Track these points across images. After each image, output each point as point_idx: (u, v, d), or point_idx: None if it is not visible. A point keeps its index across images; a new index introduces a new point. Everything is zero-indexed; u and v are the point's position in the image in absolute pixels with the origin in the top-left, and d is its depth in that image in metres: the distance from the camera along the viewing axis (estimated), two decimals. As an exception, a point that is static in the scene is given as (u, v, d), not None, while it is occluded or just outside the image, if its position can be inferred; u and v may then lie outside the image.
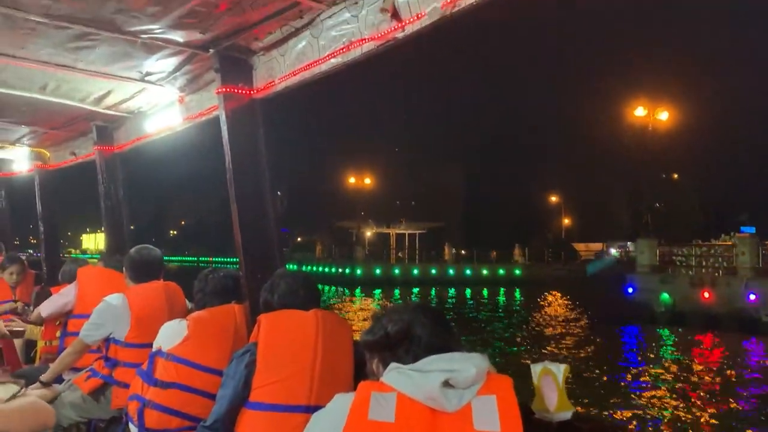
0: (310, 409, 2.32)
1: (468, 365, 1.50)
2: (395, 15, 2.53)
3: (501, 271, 44.96)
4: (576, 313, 26.56)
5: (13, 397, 1.53)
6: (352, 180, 57.87)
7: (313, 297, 2.65)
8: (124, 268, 3.71)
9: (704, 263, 23.73)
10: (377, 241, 52.67)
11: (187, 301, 3.70)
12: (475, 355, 1.55)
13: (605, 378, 13.89)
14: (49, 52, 3.64)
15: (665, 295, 22.82)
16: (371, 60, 2.84)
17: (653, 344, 19.35)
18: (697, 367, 15.47)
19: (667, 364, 15.83)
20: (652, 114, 30.46)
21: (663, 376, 14.25)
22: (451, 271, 44.47)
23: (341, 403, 1.57)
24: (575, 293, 31.70)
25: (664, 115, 30.86)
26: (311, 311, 2.53)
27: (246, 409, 2.35)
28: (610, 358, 16.43)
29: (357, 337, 2.46)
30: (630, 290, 24.53)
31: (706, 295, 21.64)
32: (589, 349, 17.67)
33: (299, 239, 65.97)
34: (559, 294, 35.17)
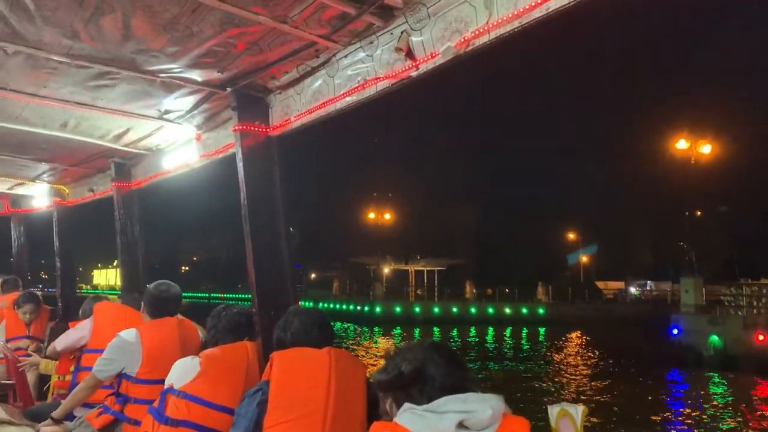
0: (323, 450, 2.28)
1: (484, 406, 1.47)
2: (409, 54, 2.56)
3: (524, 310, 43.19)
4: (607, 354, 24.53)
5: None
6: (370, 215, 56.52)
7: (327, 335, 2.63)
8: (142, 304, 3.71)
9: (755, 303, 22.45)
10: (395, 278, 51.08)
11: (200, 336, 3.68)
12: (490, 396, 1.51)
13: (653, 424, 13.03)
14: (70, 90, 3.71)
15: (714, 338, 21.43)
16: (386, 98, 2.87)
17: (701, 390, 17.83)
18: (753, 415, 14.39)
19: (718, 412, 14.59)
20: (693, 146, 29.03)
21: (714, 423, 13.37)
22: (473, 310, 42.78)
23: None
24: (602, 334, 30.37)
25: (706, 148, 29.23)
26: (324, 349, 2.51)
27: (257, 449, 2.31)
28: (653, 402, 15.49)
29: (370, 376, 2.43)
30: (675, 332, 23.22)
31: (761, 337, 20.41)
32: (630, 393, 16.36)
33: (313, 275, 64.92)
34: (582, 334, 33.81)
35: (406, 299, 45.33)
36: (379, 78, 2.74)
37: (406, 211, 60.15)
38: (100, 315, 4.19)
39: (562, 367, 22.13)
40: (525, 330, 36.96)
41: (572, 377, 19.58)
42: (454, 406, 1.48)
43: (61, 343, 4.26)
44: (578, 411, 1.90)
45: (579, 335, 33.83)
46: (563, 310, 42.65)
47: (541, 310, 43.46)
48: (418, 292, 47.48)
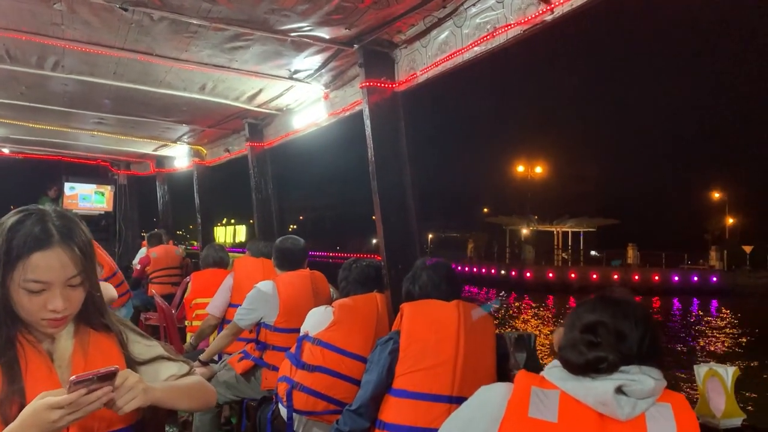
0: (453, 400, 2.31)
1: (645, 377, 1.38)
2: (544, -3, 2.44)
3: (694, 278, 36.33)
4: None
5: (185, 375, 1.63)
6: (515, 170, 50.05)
7: (455, 289, 2.63)
8: (272, 257, 3.90)
9: None
10: (536, 240, 44.43)
11: (330, 288, 3.82)
12: (653, 369, 1.42)
13: None
14: (208, 53, 3.89)
15: None
16: (515, 47, 2.77)
17: None
18: None
19: None
20: None
21: None
22: (636, 277, 35.91)
23: (495, 395, 1.48)
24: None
25: None
26: (453, 302, 2.52)
27: (389, 396, 2.38)
28: None
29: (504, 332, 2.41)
30: None
31: None
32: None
33: (443, 235, 59.73)
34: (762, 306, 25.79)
35: (552, 264, 39.81)
36: (510, 25, 2.64)
37: (552, 168, 53.68)
38: (241, 269, 4.42)
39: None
40: (696, 301, 31.47)
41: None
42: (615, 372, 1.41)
43: (217, 309, 4.27)
44: (728, 372, 1.77)
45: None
46: (740, 279, 36.45)
47: (714, 279, 36.83)
48: (564, 256, 42.15)
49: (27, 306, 1.38)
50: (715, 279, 36.75)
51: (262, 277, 3.93)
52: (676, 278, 36.51)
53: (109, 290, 3.07)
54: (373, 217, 3.59)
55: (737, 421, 1.77)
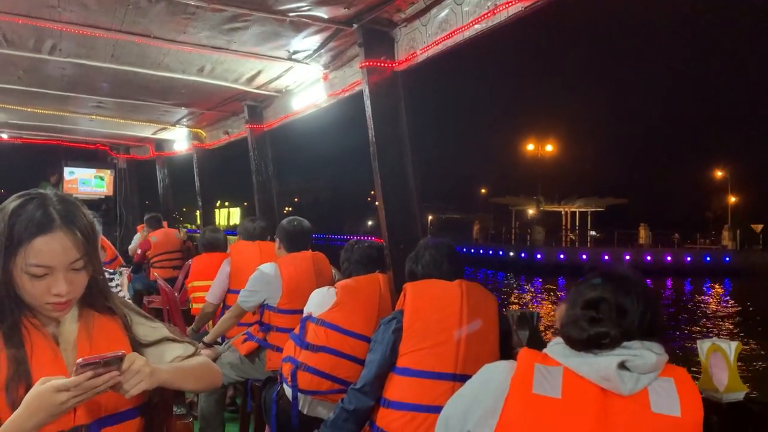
0: (457, 378, 2.33)
1: (647, 353, 1.39)
2: (545, -27, 2.41)
3: (707, 258, 35.63)
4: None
5: (191, 356, 1.64)
6: (518, 150, 48.25)
7: (457, 268, 2.64)
8: (277, 239, 3.90)
9: None
10: (543, 221, 42.89)
11: (333, 270, 3.83)
12: (654, 343, 1.42)
13: None
14: (206, 35, 3.86)
15: None
16: (517, 24, 2.74)
17: None
18: None
19: None
20: None
21: None
22: (648, 257, 35.12)
23: (499, 373, 1.49)
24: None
25: None
26: (456, 281, 2.53)
27: (394, 374, 2.40)
28: None
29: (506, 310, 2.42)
30: None
31: None
32: None
33: (443, 217, 58.84)
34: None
35: (560, 244, 39.04)
36: (511, 2, 2.61)
37: (560, 146, 51.19)
38: (237, 254, 4.42)
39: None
40: (709, 282, 30.53)
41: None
42: (616, 348, 1.41)
43: (216, 296, 4.31)
44: (731, 346, 1.78)
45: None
46: (753, 259, 35.60)
47: (727, 259, 36.10)
48: (572, 236, 41.45)
49: (31, 290, 1.38)
50: (728, 259, 36.17)
51: (259, 261, 3.94)
52: (689, 258, 35.91)
53: None
54: (369, 199, 3.59)
55: (740, 395, 1.79)
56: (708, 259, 36.11)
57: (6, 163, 11.78)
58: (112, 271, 6.13)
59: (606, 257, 34.60)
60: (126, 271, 6.84)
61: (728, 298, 25.61)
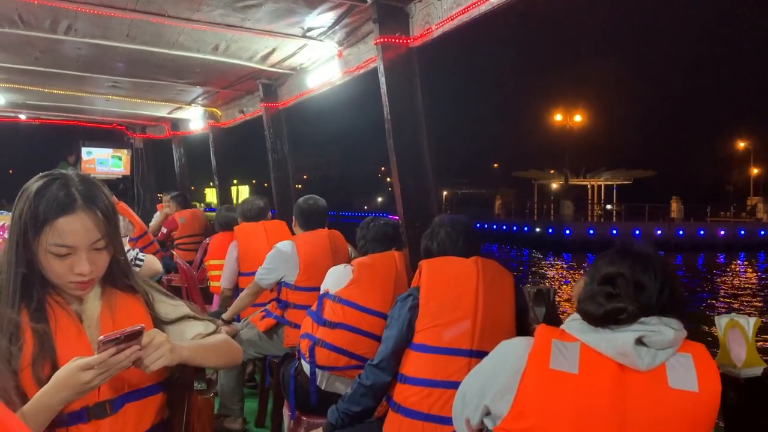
0: (473, 354, 2.34)
1: (665, 328, 1.39)
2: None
3: (741, 232, 34.46)
4: None
5: (212, 333, 1.67)
6: (540, 123, 47.65)
7: (473, 245, 2.64)
8: (294, 218, 3.92)
9: None
10: (567, 195, 40.81)
11: (349, 247, 3.85)
12: (672, 319, 1.42)
13: None
14: (220, 13, 3.86)
15: None
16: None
17: None
18: None
19: None
20: None
21: None
22: (680, 232, 33.80)
23: (516, 348, 1.49)
24: None
25: None
26: (471, 258, 2.53)
27: (410, 350, 2.41)
28: None
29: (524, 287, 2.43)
30: None
31: None
32: None
33: (459, 192, 57.29)
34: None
35: (587, 219, 37.43)
36: (527, -24, 2.58)
37: (586, 117, 48.86)
38: (243, 237, 4.43)
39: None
40: (743, 256, 29.82)
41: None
42: (634, 324, 1.41)
43: (228, 281, 4.41)
44: (750, 322, 1.78)
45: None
46: None
47: (763, 232, 35.03)
48: (598, 211, 39.86)
49: (55, 269, 1.41)
50: (763, 232, 35.20)
51: (266, 241, 3.96)
52: (723, 232, 34.83)
53: (154, 264, 3.14)
54: (379, 175, 3.59)
55: (758, 370, 1.78)
56: (743, 232, 35.14)
57: (25, 144, 11.90)
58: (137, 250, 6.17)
59: (637, 232, 33.23)
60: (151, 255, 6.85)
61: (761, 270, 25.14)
